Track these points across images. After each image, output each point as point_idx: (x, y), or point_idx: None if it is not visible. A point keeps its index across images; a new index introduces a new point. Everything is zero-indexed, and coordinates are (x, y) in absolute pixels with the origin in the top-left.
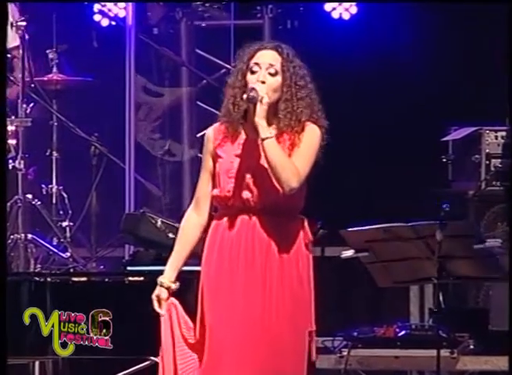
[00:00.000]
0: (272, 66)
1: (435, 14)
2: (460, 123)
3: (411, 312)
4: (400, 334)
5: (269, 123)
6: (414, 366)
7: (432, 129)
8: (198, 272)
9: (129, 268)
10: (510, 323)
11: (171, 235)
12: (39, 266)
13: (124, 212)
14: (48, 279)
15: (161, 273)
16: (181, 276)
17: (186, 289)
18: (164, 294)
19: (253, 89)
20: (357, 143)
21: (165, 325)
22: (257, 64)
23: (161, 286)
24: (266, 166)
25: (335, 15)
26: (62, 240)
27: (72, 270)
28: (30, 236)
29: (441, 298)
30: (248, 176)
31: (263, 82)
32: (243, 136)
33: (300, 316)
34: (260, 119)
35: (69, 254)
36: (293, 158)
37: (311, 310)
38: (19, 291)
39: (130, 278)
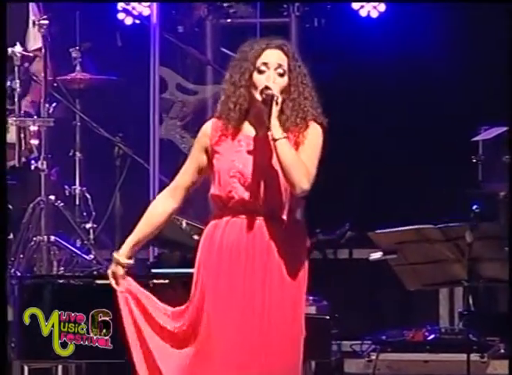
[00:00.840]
0: (280, 65)
1: (467, 12)
2: (490, 123)
3: (441, 315)
4: (429, 338)
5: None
6: (443, 371)
7: (462, 129)
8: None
9: (153, 270)
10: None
11: (196, 237)
12: (62, 268)
13: None
14: (72, 281)
15: (186, 275)
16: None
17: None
18: (120, 270)
19: (268, 89)
20: (386, 144)
21: (127, 321)
22: (265, 64)
23: (118, 263)
24: (270, 165)
25: (363, 13)
26: (85, 242)
27: (95, 273)
28: (52, 238)
29: (471, 301)
30: (251, 176)
31: (273, 82)
32: (243, 133)
33: (298, 322)
34: (274, 119)
35: (92, 256)
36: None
37: (303, 316)
38: (42, 293)
39: (155, 281)
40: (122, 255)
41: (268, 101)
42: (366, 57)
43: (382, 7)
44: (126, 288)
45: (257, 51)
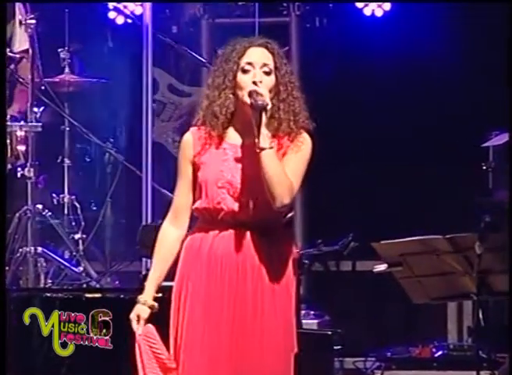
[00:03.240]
0: (265, 64)
1: (476, 11)
2: (501, 128)
3: (449, 330)
4: (436, 355)
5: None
6: None
7: (472, 134)
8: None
9: (146, 283)
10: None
11: None
12: (50, 281)
13: (141, 223)
14: (60, 295)
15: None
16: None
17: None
18: (145, 313)
19: (258, 94)
20: (391, 150)
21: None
22: (249, 63)
23: (144, 304)
24: (259, 174)
25: (367, 12)
26: (74, 253)
27: (85, 286)
28: (40, 249)
29: (481, 315)
30: (240, 186)
31: (260, 82)
32: (228, 141)
33: (289, 337)
34: (263, 127)
35: (81, 268)
36: (286, 170)
37: (295, 330)
38: (28, 307)
39: None
40: (149, 296)
41: (259, 108)
42: (370, 59)
43: (387, 5)
44: (144, 333)
45: (240, 51)
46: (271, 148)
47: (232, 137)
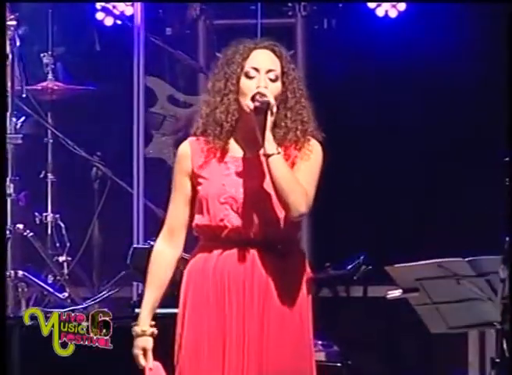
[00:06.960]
0: (271, 70)
1: (497, 14)
2: None
3: (470, 362)
4: None
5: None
6: None
7: (493, 146)
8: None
9: (137, 310)
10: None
11: None
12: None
13: (132, 244)
14: None
15: (176, 316)
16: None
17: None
18: (150, 343)
19: (262, 95)
20: (407, 164)
21: None
22: (254, 68)
23: (144, 335)
24: (266, 188)
25: (380, 12)
26: (58, 277)
27: None
28: (20, 273)
29: (505, 345)
30: (246, 201)
31: (265, 87)
32: (229, 153)
33: (301, 368)
34: (268, 131)
35: (66, 294)
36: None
37: (313, 360)
38: (8, 338)
39: None
40: (145, 324)
41: (263, 110)
42: (383, 63)
43: (401, 6)
44: (154, 365)
45: (244, 53)
46: (278, 153)
47: (234, 149)
